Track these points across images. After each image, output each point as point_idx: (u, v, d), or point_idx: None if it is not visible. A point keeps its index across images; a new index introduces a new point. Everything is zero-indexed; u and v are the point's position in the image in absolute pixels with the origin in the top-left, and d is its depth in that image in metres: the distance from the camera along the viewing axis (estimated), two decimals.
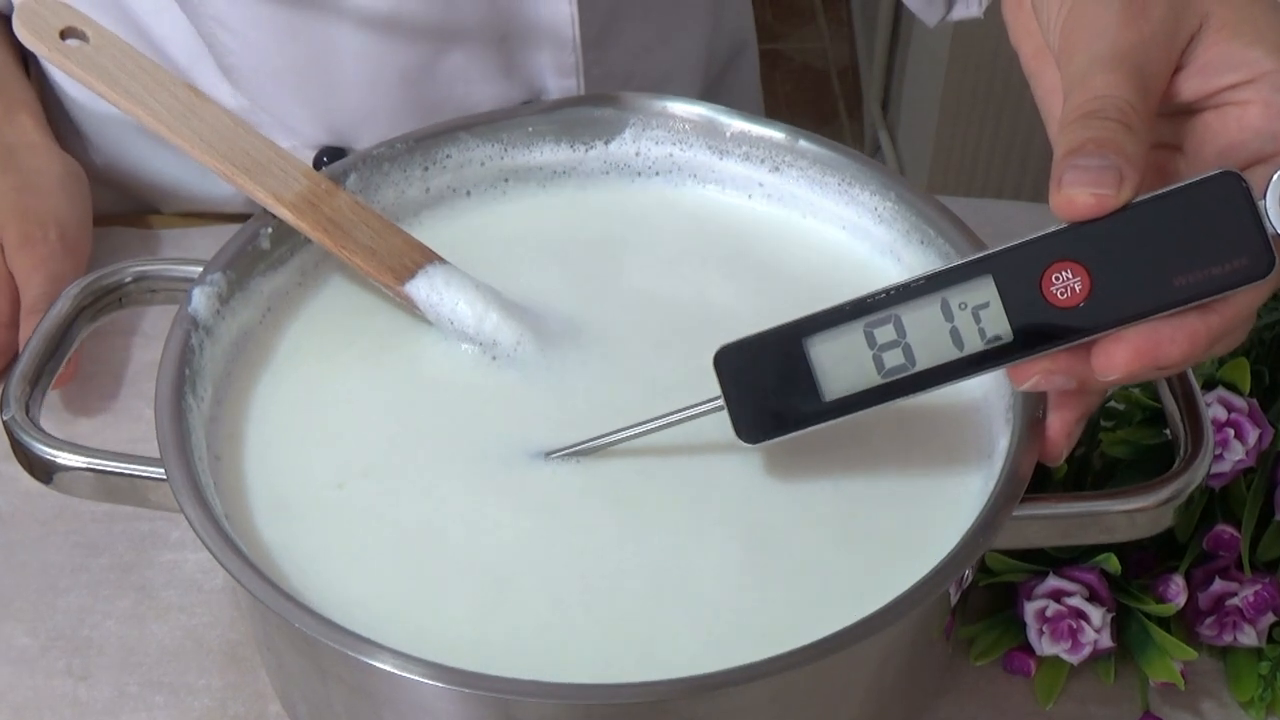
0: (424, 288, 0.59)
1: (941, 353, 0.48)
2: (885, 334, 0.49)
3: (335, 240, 0.59)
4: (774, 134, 0.66)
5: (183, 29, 0.80)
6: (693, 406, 0.53)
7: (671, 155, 0.67)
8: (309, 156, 0.80)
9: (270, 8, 0.75)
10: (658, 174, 0.68)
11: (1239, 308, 0.46)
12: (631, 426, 0.54)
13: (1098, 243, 0.45)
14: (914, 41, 2.07)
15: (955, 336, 0.48)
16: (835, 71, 2.57)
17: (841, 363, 0.49)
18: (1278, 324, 0.65)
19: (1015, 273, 0.47)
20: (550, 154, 0.67)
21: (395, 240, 0.61)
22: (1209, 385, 0.62)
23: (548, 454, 0.55)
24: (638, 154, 0.67)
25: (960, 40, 1.77)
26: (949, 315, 0.48)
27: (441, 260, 0.60)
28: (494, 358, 0.59)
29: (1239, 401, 0.61)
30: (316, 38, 0.76)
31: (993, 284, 0.47)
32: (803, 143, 0.65)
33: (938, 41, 1.85)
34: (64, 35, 0.59)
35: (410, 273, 0.60)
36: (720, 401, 0.52)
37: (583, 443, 0.55)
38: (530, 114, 0.67)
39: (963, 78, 1.81)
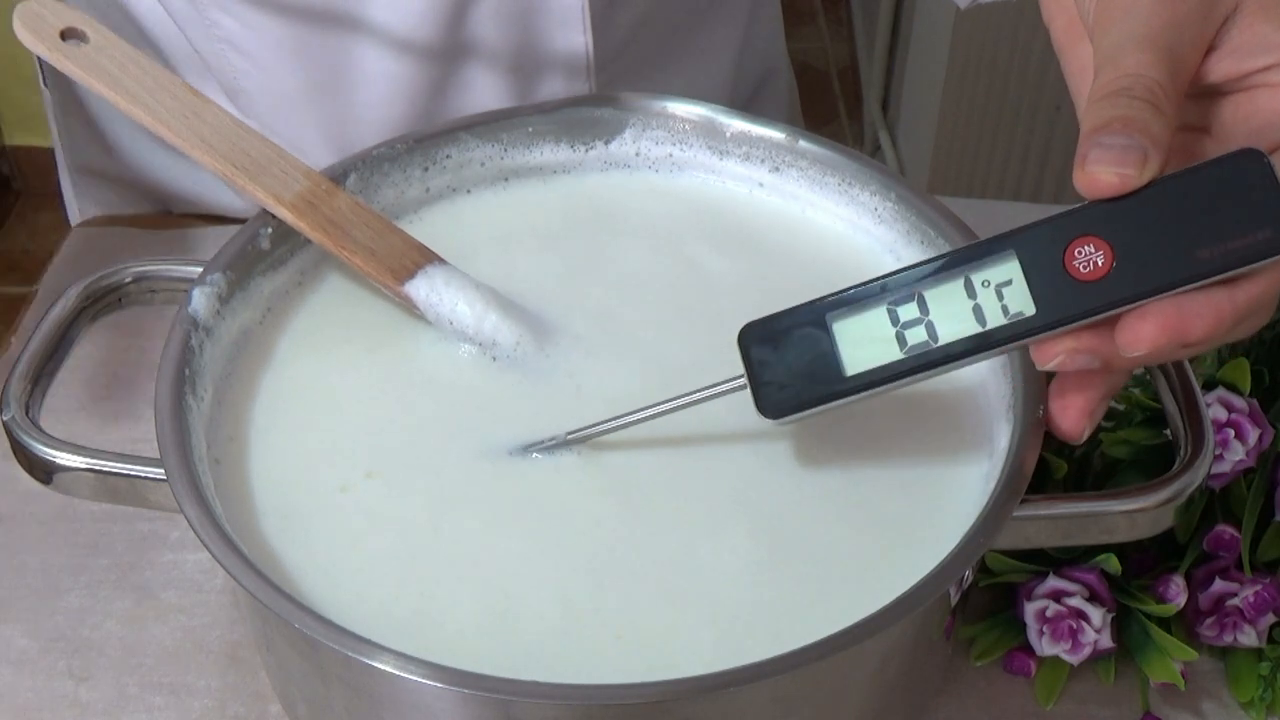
0: (423, 288, 0.59)
1: (964, 330, 0.48)
2: (908, 312, 0.49)
3: (335, 240, 0.59)
4: (774, 134, 0.66)
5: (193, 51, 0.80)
6: (714, 385, 0.53)
7: (671, 155, 0.67)
8: None
9: (284, 30, 0.75)
10: (657, 173, 0.68)
11: (1264, 285, 0.45)
12: (652, 406, 0.54)
13: (1120, 218, 0.45)
14: (914, 41, 2.07)
15: (978, 314, 0.48)
16: (835, 71, 2.57)
17: (864, 340, 0.49)
18: (1278, 324, 0.65)
19: (1038, 249, 0.47)
20: (550, 154, 0.67)
21: (395, 240, 0.61)
22: (1209, 385, 0.62)
23: (568, 433, 0.55)
24: (638, 154, 0.67)
25: (960, 40, 1.78)
26: (972, 293, 0.48)
27: (441, 260, 0.60)
28: (494, 358, 0.59)
29: (1239, 402, 0.61)
30: (329, 60, 0.76)
31: (1016, 261, 0.47)
32: (803, 143, 0.65)
33: (938, 41, 1.85)
34: (64, 36, 0.59)
35: (410, 273, 0.60)
36: (742, 380, 0.52)
37: (603, 422, 0.55)
38: (530, 114, 0.67)
39: (963, 78, 1.81)
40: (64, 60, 0.59)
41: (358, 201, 0.61)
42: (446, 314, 0.59)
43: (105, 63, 0.59)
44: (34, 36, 0.59)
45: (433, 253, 0.61)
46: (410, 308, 0.60)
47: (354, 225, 0.60)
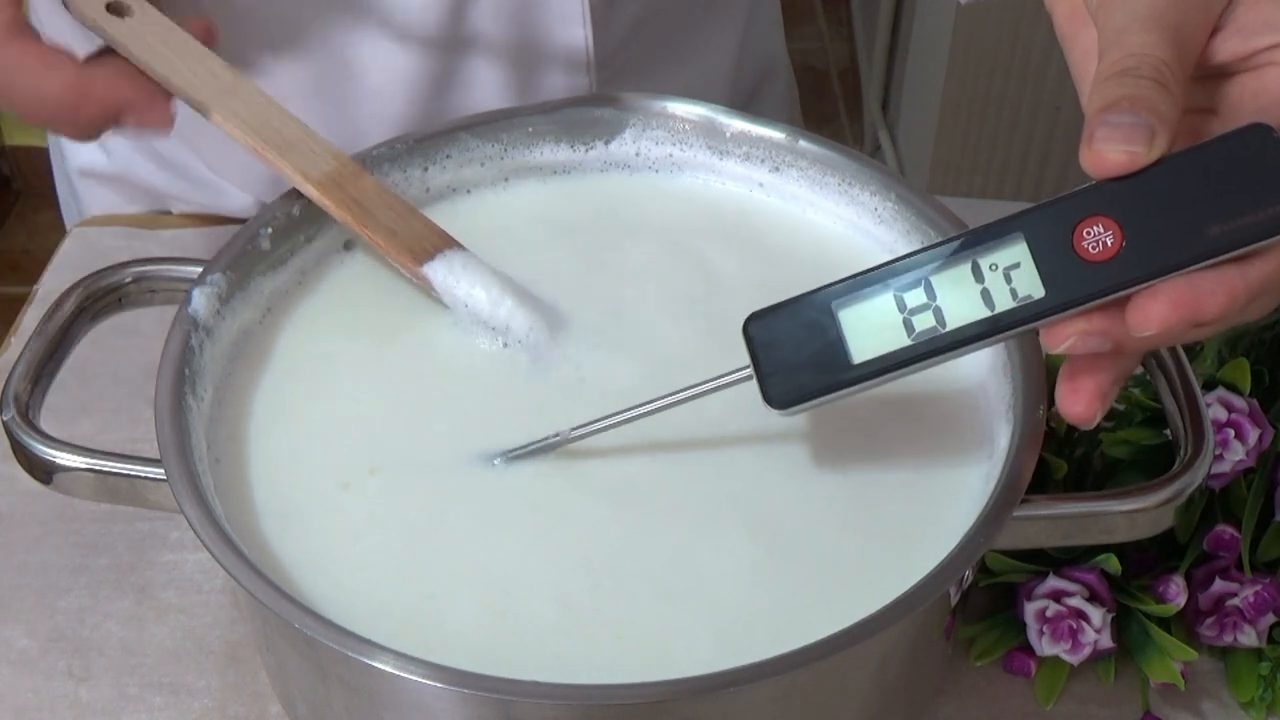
0: (441, 270, 0.60)
1: (973, 315, 0.47)
2: (915, 298, 0.48)
3: (358, 219, 0.60)
4: (774, 134, 0.66)
5: None
6: (720, 377, 0.52)
7: (671, 155, 0.67)
8: None
9: (282, 25, 0.75)
10: (657, 173, 0.68)
11: (1277, 262, 0.45)
12: (655, 400, 0.54)
13: (1129, 197, 0.45)
14: (914, 41, 2.07)
15: (986, 298, 0.47)
16: (835, 71, 2.57)
17: (872, 327, 0.49)
18: (1278, 324, 0.65)
19: (1046, 231, 0.46)
20: (550, 154, 0.67)
21: (416, 224, 0.61)
22: (1209, 385, 0.62)
23: (572, 429, 0.55)
24: (638, 154, 0.67)
25: (960, 40, 1.78)
26: (980, 277, 0.47)
27: (460, 247, 0.61)
28: (505, 344, 0.59)
29: (1239, 402, 0.61)
30: (329, 56, 0.76)
31: (1024, 243, 0.46)
32: (803, 143, 0.65)
33: (938, 41, 1.85)
34: (109, 9, 0.61)
35: (429, 255, 0.60)
36: (748, 371, 0.51)
37: (606, 418, 0.54)
38: (530, 114, 0.67)
39: (963, 78, 1.81)
40: (107, 31, 0.60)
41: (382, 185, 0.62)
42: (463, 297, 0.60)
43: (147, 36, 0.61)
44: (82, 5, 0.60)
45: (452, 238, 0.61)
46: (428, 289, 0.60)
47: (378, 206, 0.61)
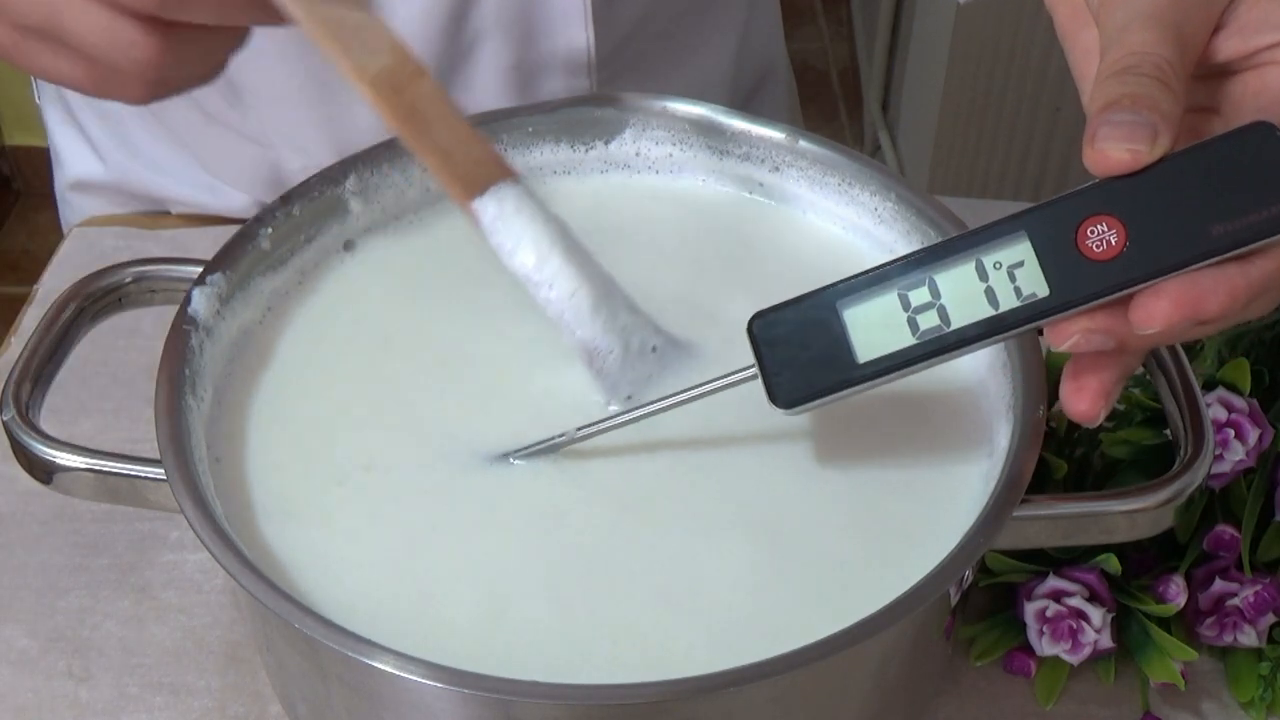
0: (491, 209, 0.55)
1: (977, 313, 0.48)
2: (919, 296, 0.48)
3: (413, 132, 0.54)
4: (774, 134, 0.66)
5: None
6: (724, 376, 0.52)
7: (671, 155, 0.67)
8: None
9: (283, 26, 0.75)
10: (658, 173, 0.68)
11: (1278, 261, 0.45)
12: (659, 400, 0.54)
13: (1132, 196, 0.45)
14: (914, 41, 2.07)
15: (991, 296, 0.47)
16: (835, 71, 2.57)
17: (876, 326, 0.49)
18: (1278, 324, 0.65)
19: (1050, 229, 0.46)
20: (550, 154, 0.67)
21: (474, 148, 0.56)
22: (1209, 385, 0.62)
23: (576, 429, 0.54)
24: (638, 154, 0.67)
25: (960, 40, 1.78)
26: (984, 275, 0.47)
27: (515, 180, 0.56)
28: (545, 300, 0.56)
29: (1239, 402, 0.61)
30: None
31: (1028, 241, 0.47)
32: (803, 143, 0.65)
33: (938, 41, 1.85)
34: None
35: (481, 188, 0.55)
36: (753, 370, 0.51)
37: (610, 418, 0.54)
38: (530, 114, 0.67)
39: (963, 78, 1.81)
40: None
41: (444, 93, 0.56)
42: (509, 245, 0.55)
43: None
44: None
45: (510, 169, 0.57)
46: (473, 226, 0.56)
47: (436, 121, 0.55)
